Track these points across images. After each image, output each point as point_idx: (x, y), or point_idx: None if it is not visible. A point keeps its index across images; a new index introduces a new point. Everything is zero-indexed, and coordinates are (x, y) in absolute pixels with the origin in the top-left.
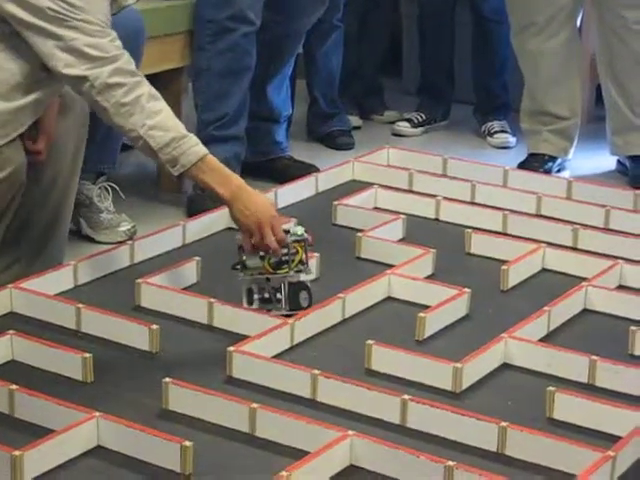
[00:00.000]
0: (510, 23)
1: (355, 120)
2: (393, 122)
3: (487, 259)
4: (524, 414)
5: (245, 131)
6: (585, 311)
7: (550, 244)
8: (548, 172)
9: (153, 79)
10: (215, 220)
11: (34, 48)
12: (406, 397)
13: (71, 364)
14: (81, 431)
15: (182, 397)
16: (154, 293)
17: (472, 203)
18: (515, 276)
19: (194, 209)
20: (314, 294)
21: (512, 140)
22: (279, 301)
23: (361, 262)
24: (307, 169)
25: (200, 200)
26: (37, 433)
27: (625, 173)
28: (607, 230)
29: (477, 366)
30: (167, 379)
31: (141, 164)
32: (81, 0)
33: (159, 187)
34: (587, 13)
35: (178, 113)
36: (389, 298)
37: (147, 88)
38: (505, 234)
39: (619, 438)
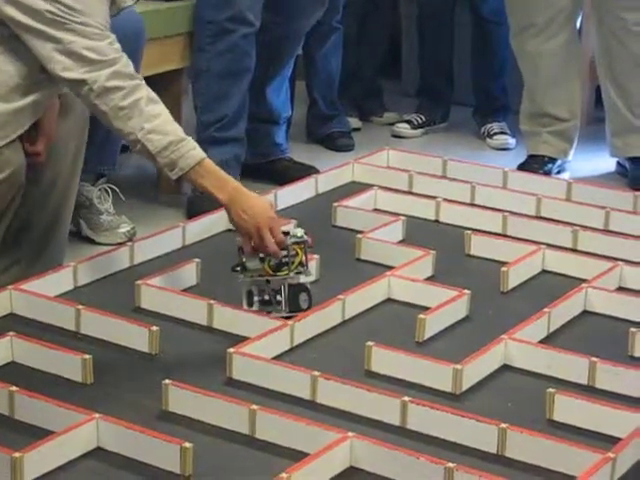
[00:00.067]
0: (509, 24)
1: (355, 122)
2: (393, 124)
3: (487, 260)
4: (524, 416)
5: (245, 133)
6: (585, 313)
7: (550, 245)
8: (548, 174)
9: (153, 80)
10: (215, 222)
11: (33, 51)
12: (406, 399)
13: (71, 365)
14: (81, 432)
15: (182, 399)
16: (154, 294)
17: (472, 205)
18: (515, 277)
19: (194, 211)
20: (314, 296)
21: (512, 142)
22: (279, 303)
23: (361, 264)
24: (307, 171)
25: (200, 202)
26: (37, 435)
27: (625, 175)
28: (607, 232)
29: (477, 367)
30: (167, 381)
31: (141, 166)
32: (80, 3)
33: (159, 189)
34: (586, 15)
35: (178, 114)
36: (389, 299)
37: (146, 91)
38: (505, 235)
39: (619, 440)
